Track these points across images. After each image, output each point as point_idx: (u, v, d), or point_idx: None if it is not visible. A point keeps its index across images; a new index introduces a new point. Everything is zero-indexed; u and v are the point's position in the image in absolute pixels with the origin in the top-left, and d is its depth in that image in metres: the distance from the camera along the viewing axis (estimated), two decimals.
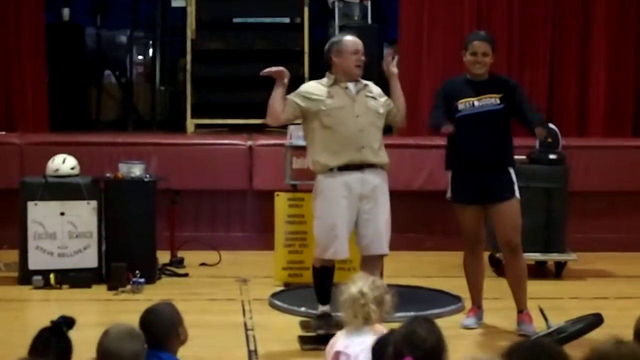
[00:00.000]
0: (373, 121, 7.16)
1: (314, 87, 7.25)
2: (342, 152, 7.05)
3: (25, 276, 8.78)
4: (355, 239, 7.21)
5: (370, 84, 7.33)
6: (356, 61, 7.17)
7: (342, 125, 7.07)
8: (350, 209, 7.07)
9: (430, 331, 3.94)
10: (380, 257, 7.23)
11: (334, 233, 7.05)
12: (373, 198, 7.11)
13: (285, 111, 7.13)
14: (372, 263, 7.14)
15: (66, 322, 4.26)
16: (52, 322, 4.25)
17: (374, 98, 7.23)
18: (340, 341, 4.84)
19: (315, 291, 7.23)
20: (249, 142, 10.38)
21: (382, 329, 4.71)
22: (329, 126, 7.10)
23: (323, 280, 7.20)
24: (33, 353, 4.15)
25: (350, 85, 7.20)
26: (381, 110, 7.22)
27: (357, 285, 4.83)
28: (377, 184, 7.13)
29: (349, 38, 7.29)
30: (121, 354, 4.03)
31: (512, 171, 7.37)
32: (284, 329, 7.44)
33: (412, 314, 4.68)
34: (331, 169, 7.07)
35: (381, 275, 7.22)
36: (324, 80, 7.26)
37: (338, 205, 7.05)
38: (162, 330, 4.53)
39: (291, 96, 7.17)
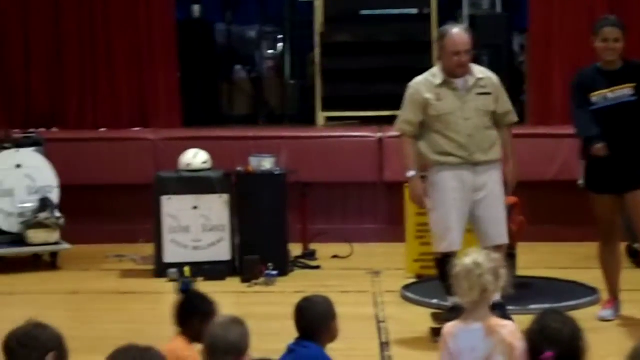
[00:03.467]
0: (483, 122, 7.03)
1: (423, 88, 7.09)
2: (453, 154, 6.99)
3: (160, 269, 8.95)
4: (473, 230, 7.12)
5: (486, 75, 7.17)
6: (457, 62, 6.96)
7: (452, 130, 6.99)
8: (463, 201, 6.99)
9: (563, 322, 3.87)
10: (500, 247, 7.09)
11: (448, 225, 6.99)
12: (487, 188, 7.02)
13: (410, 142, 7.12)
14: None
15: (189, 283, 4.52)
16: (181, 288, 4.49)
17: (486, 95, 7.08)
18: (449, 330, 4.64)
19: (441, 283, 7.17)
20: (379, 134, 10.36)
21: (497, 324, 4.55)
22: (438, 130, 7.02)
23: (447, 272, 7.12)
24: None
25: (460, 83, 7.03)
26: (492, 108, 7.08)
27: (471, 256, 4.59)
28: (490, 175, 7.05)
29: (452, 36, 6.98)
30: (227, 340, 4.20)
31: None
32: (415, 321, 7.41)
33: (547, 306, 4.60)
34: (442, 164, 7.01)
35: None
36: (433, 75, 7.10)
37: (450, 196, 6.98)
38: (314, 321, 4.70)
39: (405, 115, 7.11)
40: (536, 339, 3.82)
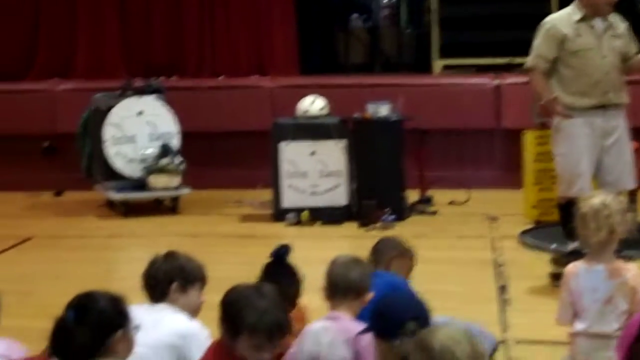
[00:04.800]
0: (616, 62, 7.02)
1: (562, 24, 7.07)
2: (587, 94, 6.95)
3: (279, 213, 9.07)
4: (597, 177, 7.06)
5: (616, 19, 7.11)
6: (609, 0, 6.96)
7: (589, 67, 6.94)
8: (592, 147, 6.94)
9: None
10: (627, 193, 7.01)
11: (578, 170, 6.95)
12: (616, 134, 6.98)
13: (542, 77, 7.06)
14: None
15: (284, 250, 4.54)
16: (273, 253, 4.52)
17: (618, 37, 7.04)
18: (571, 270, 4.59)
19: (563, 228, 7.12)
20: (496, 81, 10.28)
21: (621, 267, 4.50)
22: (575, 67, 6.97)
23: (570, 216, 7.07)
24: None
25: (598, 22, 7.00)
26: (625, 50, 7.04)
27: (599, 197, 4.54)
28: (619, 120, 7.05)
29: None
30: (347, 279, 4.26)
31: None
32: (534, 265, 7.37)
33: None
34: (573, 109, 6.95)
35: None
36: (571, 12, 7.07)
37: (581, 142, 6.94)
38: (386, 253, 5.03)
39: (540, 50, 7.06)
40: None
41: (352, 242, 8.40)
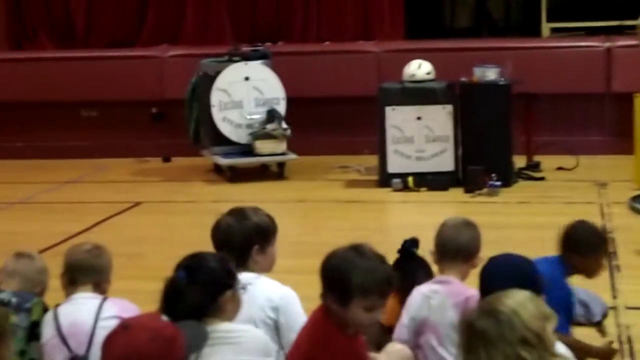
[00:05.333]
0: None
1: None
2: None
3: (384, 179, 9.06)
4: None
5: None
6: None
7: None
8: None
9: None
10: None
11: None
12: None
13: None
14: None
15: (413, 244, 4.47)
16: (402, 249, 4.45)
17: None
18: None
19: None
20: (607, 44, 10.08)
21: None
22: None
23: None
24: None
25: None
26: None
27: None
28: None
29: None
30: (457, 241, 4.24)
31: None
32: None
33: None
34: None
35: None
36: None
37: None
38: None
39: None
40: None
41: (459, 208, 8.34)
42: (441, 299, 4.11)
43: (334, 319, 3.58)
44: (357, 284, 3.51)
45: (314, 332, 3.64)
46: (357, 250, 3.62)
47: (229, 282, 3.55)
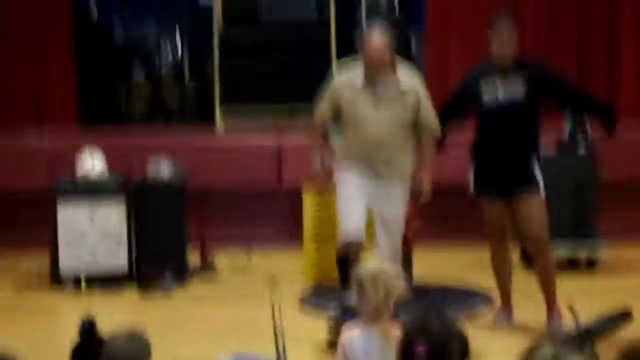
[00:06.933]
0: (396, 130, 7.20)
1: (344, 85, 7.22)
2: (360, 159, 7.15)
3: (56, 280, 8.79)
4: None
5: (403, 74, 7.25)
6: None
7: (362, 131, 7.15)
8: None
9: (441, 319, 3.79)
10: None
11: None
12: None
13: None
14: None
15: (90, 324, 4.28)
16: (80, 331, 4.26)
17: (402, 96, 7.16)
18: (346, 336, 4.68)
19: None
20: (278, 142, 10.29)
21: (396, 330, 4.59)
22: (351, 125, 7.18)
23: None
24: None
25: (378, 83, 7.13)
26: (409, 115, 7.21)
27: (374, 262, 4.74)
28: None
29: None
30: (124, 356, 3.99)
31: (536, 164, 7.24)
32: (314, 329, 7.36)
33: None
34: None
35: None
36: (355, 71, 7.21)
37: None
38: None
39: (325, 102, 7.29)
40: (411, 331, 3.78)
41: (132, 306, 8.25)
42: None
43: None
44: None
45: None
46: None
47: None
